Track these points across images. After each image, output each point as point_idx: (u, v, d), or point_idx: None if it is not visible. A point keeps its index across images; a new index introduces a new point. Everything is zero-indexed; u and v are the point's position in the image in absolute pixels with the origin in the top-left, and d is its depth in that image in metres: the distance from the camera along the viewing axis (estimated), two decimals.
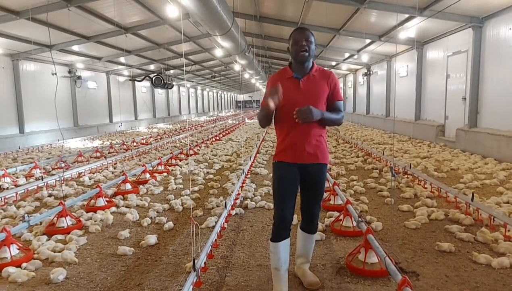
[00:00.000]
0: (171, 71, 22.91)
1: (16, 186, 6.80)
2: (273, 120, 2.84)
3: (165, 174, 7.86)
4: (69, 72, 16.79)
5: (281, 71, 2.81)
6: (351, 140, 12.47)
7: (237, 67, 23.17)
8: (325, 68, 2.82)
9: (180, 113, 33.15)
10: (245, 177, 6.92)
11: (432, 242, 3.77)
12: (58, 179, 6.95)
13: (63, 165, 8.92)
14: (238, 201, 5.39)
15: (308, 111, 2.51)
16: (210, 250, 3.51)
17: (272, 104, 2.52)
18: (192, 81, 32.39)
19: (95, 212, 4.99)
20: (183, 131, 19.30)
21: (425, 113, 13.10)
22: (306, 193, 2.86)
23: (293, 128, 2.65)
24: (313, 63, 2.75)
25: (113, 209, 5.22)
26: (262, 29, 15.98)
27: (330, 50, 16.88)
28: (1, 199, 5.66)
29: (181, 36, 15.49)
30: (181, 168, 8.48)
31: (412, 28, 11.02)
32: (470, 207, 4.56)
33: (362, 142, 11.00)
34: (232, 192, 5.55)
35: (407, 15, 9.84)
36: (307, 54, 2.63)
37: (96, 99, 19.43)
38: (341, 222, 4.17)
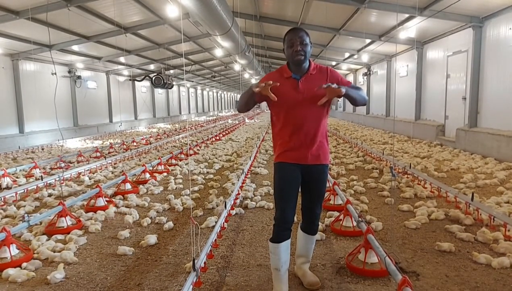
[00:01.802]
0: (171, 71, 22.91)
1: (17, 185, 6.80)
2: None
3: (165, 173, 7.86)
4: (69, 72, 16.78)
5: (280, 70, 2.78)
6: (351, 140, 12.47)
7: (237, 67, 23.16)
8: (322, 65, 2.79)
9: (180, 113, 33.14)
10: (245, 177, 6.92)
11: (432, 242, 3.77)
12: (58, 179, 6.95)
13: (63, 164, 8.92)
14: (238, 201, 5.39)
15: (337, 88, 2.45)
16: (210, 250, 3.51)
17: (257, 89, 2.49)
18: (192, 81, 32.38)
19: (95, 212, 4.99)
20: (183, 131, 19.30)
21: (425, 113, 13.09)
22: (307, 193, 2.85)
23: (297, 131, 2.64)
24: (309, 61, 2.71)
25: (113, 209, 5.21)
26: (262, 29, 15.97)
27: (330, 50, 16.88)
28: (1, 199, 5.66)
29: (181, 36, 15.49)
30: (181, 168, 8.47)
31: (412, 28, 11.02)
32: (470, 206, 4.56)
33: (362, 142, 11.00)
34: (232, 192, 5.54)
35: (407, 15, 9.84)
36: (303, 57, 2.60)
37: (96, 99, 19.42)
38: (341, 222, 4.17)
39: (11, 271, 3.27)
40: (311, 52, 2.76)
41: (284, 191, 2.71)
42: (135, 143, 13.56)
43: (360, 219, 3.83)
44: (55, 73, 14.39)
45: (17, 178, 7.55)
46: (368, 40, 13.88)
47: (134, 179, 7.10)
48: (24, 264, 3.42)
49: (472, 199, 4.51)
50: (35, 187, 6.45)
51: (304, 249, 3.00)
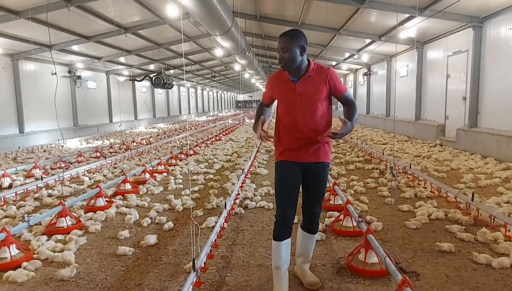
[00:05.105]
0: (171, 71, 22.89)
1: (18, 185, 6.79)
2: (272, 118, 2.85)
3: (165, 174, 7.85)
4: (69, 72, 16.77)
5: (279, 72, 2.80)
6: (351, 140, 12.46)
7: (237, 67, 23.14)
8: (324, 66, 2.78)
9: (180, 113, 33.12)
10: (245, 177, 6.91)
11: (432, 242, 3.77)
12: (58, 179, 6.94)
13: (63, 165, 8.92)
14: (238, 201, 5.39)
15: (345, 133, 2.57)
16: (210, 250, 3.51)
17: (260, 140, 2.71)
18: (192, 81, 32.35)
19: (95, 212, 4.99)
20: (183, 131, 19.29)
21: (425, 113, 13.09)
22: (307, 192, 2.86)
23: (296, 132, 2.66)
24: (309, 62, 2.71)
25: (114, 208, 5.20)
26: (262, 29, 15.96)
27: (330, 50, 16.85)
28: (1, 199, 5.65)
29: (181, 36, 15.48)
30: (181, 168, 8.47)
31: (412, 28, 11.01)
32: (470, 207, 4.56)
33: (362, 143, 10.99)
34: (232, 192, 5.54)
35: (407, 15, 9.83)
36: (284, 65, 2.65)
37: (96, 99, 19.41)
38: (341, 222, 4.17)
39: (11, 271, 3.27)
40: (311, 52, 2.79)
41: (285, 189, 2.73)
42: (135, 144, 13.55)
43: (360, 219, 3.83)
44: (55, 73, 14.38)
45: (17, 177, 7.54)
46: (368, 40, 13.86)
47: (134, 179, 7.10)
48: (24, 264, 3.41)
49: (472, 199, 4.51)
50: (35, 187, 6.45)
51: (304, 248, 3.01)
